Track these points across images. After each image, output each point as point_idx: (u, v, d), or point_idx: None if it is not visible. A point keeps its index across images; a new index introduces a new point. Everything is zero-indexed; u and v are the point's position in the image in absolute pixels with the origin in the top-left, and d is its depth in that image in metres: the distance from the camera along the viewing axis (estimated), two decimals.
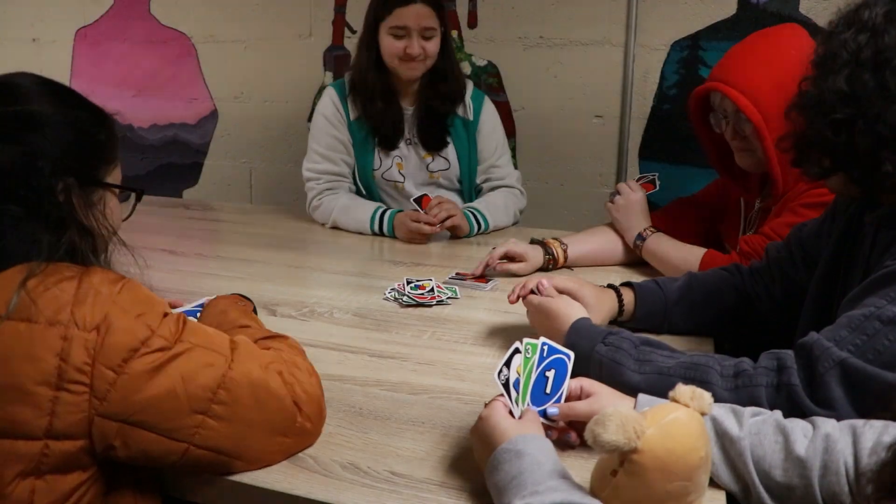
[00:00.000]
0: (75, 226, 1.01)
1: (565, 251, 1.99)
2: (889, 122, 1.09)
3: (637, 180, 2.11)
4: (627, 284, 1.59)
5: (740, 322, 1.56)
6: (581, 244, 2.02)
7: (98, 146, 1.08)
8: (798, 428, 1.00)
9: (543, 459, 0.94)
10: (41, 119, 1.01)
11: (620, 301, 1.55)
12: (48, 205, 0.99)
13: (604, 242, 2.04)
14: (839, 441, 0.95)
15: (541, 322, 1.43)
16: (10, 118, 1.00)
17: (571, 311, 1.37)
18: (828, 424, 0.99)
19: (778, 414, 1.04)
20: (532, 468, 0.92)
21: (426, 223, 2.21)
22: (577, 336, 1.30)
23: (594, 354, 1.24)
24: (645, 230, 1.96)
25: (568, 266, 2.00)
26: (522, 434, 0.99)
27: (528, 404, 1.11)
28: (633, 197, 2.03)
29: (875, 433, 0.95)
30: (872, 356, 1.04)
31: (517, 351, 1.12)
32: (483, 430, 1.04)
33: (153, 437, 0.96)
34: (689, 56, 2.65)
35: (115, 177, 1.13)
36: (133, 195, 1.19)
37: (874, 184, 1.15)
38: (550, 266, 1.97)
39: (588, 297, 1.48)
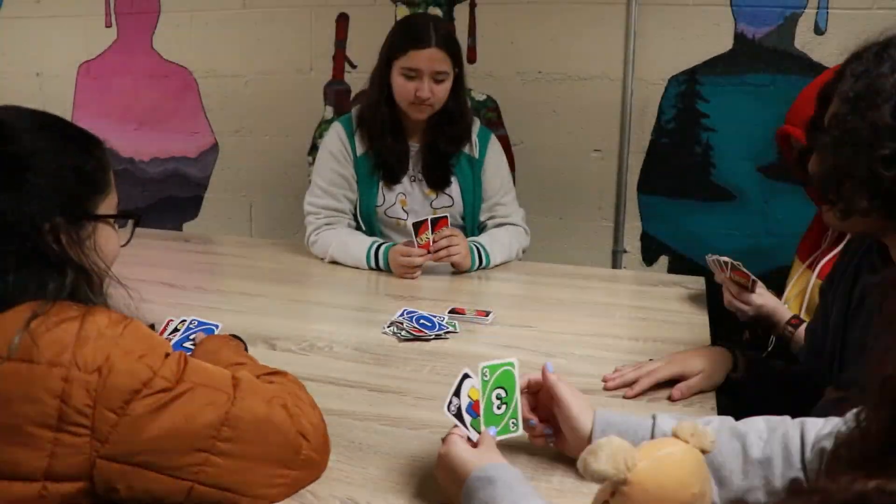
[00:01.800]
0: (69, 265, 1.00)
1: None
2: None
3: (731, 272, 1.84)
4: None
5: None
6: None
7: (85, 178, 1.06)
8: (752, 432, 1.05)
9: (515, 483, 0.98)
10: (23, 159, 0.99)
11: (735, 360, 1.53)
12: (40, 246, 0.98)
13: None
14: (793, 438, 1.01)
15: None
16: None
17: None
18: (784, 424, 1.05)
19: (729, 419, 1.09)
20: (504, 493, 0.96)
21: (417, 255, 2.21)
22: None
23: None
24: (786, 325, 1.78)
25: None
26: (492, 462, 1.02)
27: (484, 428, 1.12)
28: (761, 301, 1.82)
29: (816, 426, 1.02)
30: None
31: (466, 376, 1.14)
32: (447, 465, 1.06)
33: (157, 478, 0.95)
34: (686, 90, 2.67)
35: (108, 205, 1.10)
36: (130, 221, 1.17)
37: None
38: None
39: (699, 366, 1.48)
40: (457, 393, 1.12)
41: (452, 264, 2.27)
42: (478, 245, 2.33)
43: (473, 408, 1.12)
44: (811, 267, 1.91)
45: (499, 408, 1.15)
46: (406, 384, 1.50)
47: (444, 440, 1.10)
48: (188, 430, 0.96)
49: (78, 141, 1.08)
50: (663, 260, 2.84)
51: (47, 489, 0.91)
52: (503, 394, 1.15)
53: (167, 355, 1.00)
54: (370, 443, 1.26)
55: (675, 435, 0.92)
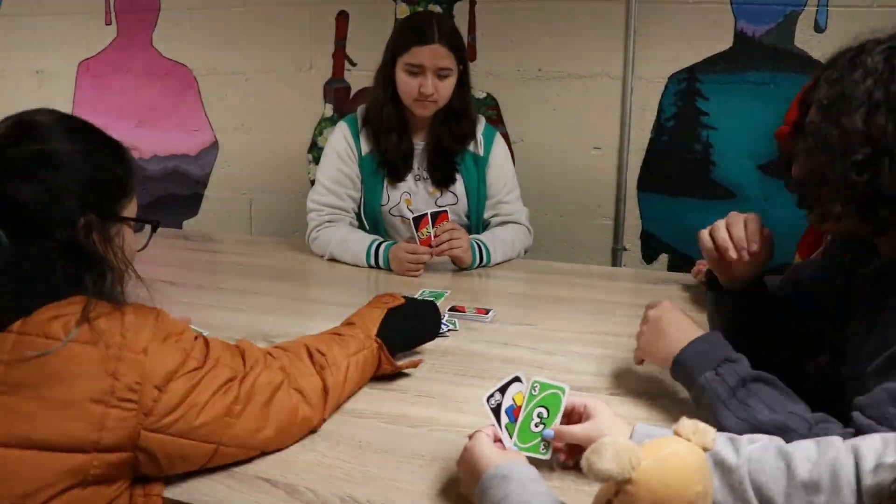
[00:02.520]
0: (104, 262, 1.09)
1: None
2: None
3: None
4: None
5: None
6: None
7: (116, 181, 1.15)
8: (800, 452, 1.01)
9: (529, 482, 0.98)
10: (61, 157, 1.07)
11: None
12: (77, 242, 1.06)
13: None
14: (845, 465, 0.96)
15: (649, 341, 1.39)
16: (30, 157, 1.06)
17: (687, 335, 1.32)
18: (832, 448, 0.99)
19: (779, 440, 1.05)
20: (518, 491, 0.96)
21: (423, 252, 2.21)
22: (690, 356, 1.28)
23: (700, 381, 1.23)
24: None
25: None
26: (509, 460, 1.03)
27: (516, 443, 1.12)
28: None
29: (875, 453, 0.96)
30: None
31: (516, 380, 1.14)
32: (469, 460, 1.07)
33: (191, 444, 1.07)
34: (686, 88, 2.67)
35: (131, 209, 1.20)
36: (149, 227, 1.27)
37: (892, 223, 1.15)
38: None
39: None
40: (501, 390, 1.13)
41: (453, 259, 2.27)
42: (479, 242, 2.32)
43: (514, 412, 1.13)
44: None
45: (536, 426, 1.14)
46: (406, 382, 1.50)
47: (470, 436, 1.11)
48: (215, 401, 1.09)
49: (109, 145, 1.17)
50: (663, 258, 2.84)
51: (98, 459, 0.99)
52: (544, 414, 1.15)
53: (196, 338, 1.12)
54: (370, 440, 1.26)
55: (676, 433, 0.92)
